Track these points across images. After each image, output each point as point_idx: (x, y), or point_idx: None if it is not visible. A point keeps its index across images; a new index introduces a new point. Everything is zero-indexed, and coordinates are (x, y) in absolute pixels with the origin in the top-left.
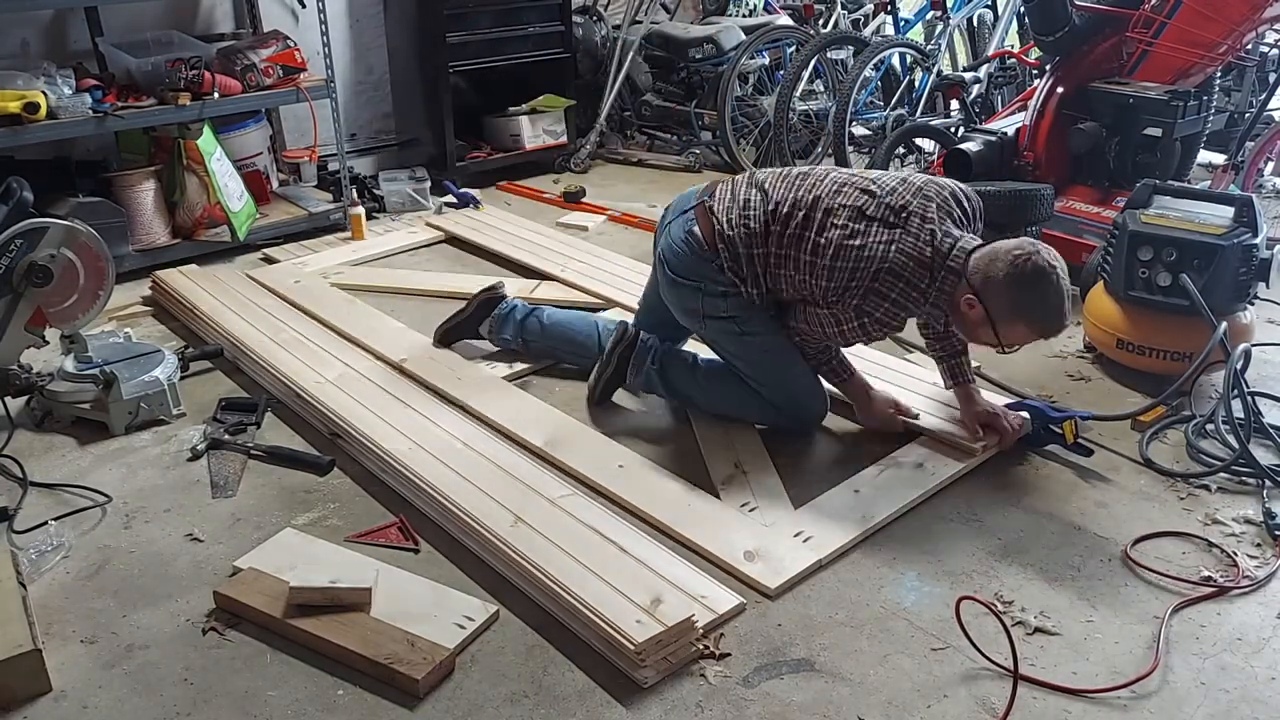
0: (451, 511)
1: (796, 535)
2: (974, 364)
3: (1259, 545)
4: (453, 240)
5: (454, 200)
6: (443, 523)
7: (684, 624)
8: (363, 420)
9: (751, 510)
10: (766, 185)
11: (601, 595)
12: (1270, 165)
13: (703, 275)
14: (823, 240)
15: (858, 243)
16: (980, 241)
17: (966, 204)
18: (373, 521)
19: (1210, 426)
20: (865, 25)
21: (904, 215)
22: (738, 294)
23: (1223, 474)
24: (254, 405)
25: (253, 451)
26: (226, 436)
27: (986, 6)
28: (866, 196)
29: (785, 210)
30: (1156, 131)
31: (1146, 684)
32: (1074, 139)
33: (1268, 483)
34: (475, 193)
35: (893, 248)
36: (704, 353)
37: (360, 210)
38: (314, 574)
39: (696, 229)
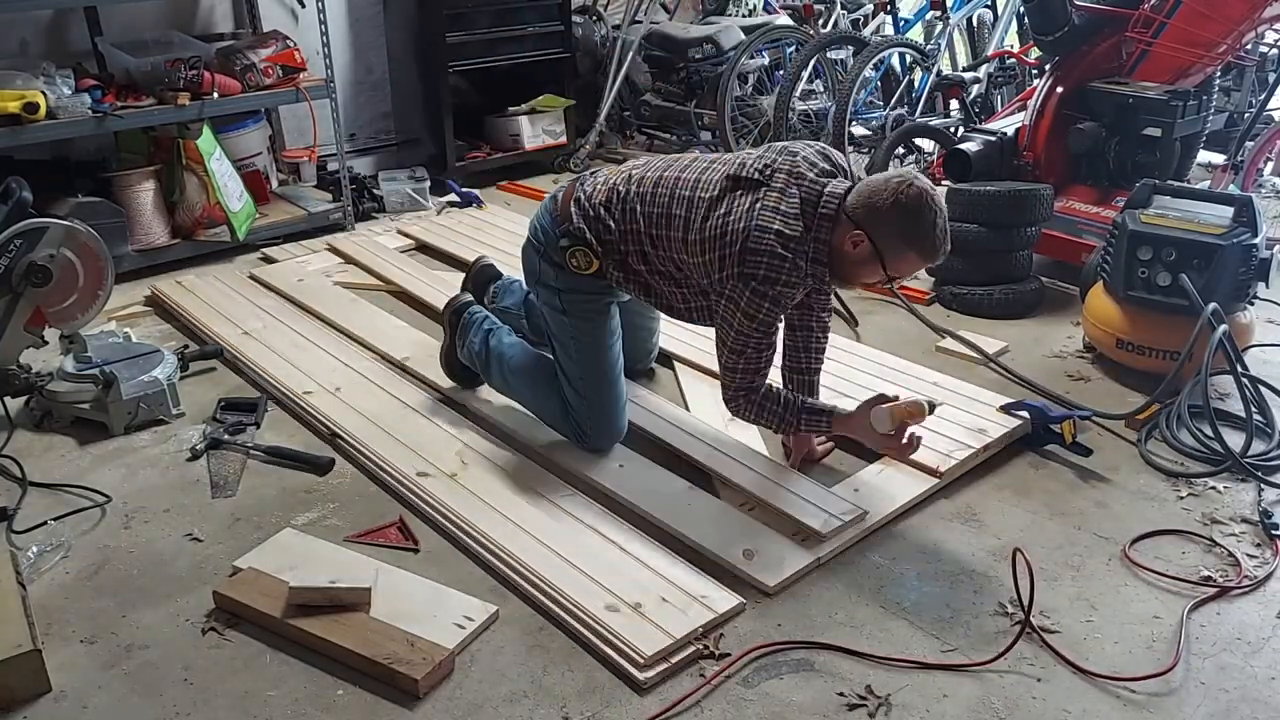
0: (450, 520)
1: (795, 534)
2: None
3: (1259, 545)
4: (424, 248)
5: (457, 200)
6: (442, 524)
7: (690, 633)
8: (362, 430)
9: (750, 509)
10: (634, 168)
11: (604, 602)
12: (1270, 165)
13: (548, 240)
14: (695, 216)
15: (723, 210)
16: (848, 183)
17: (833, 158)
18: (373, 521)
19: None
20: (865, 25)
21: (769, 173)
22: (572, 269)
23: (1223, 472)
24: (254, 405)
25: (252, 451)
26: (226, 436)
27: (986, 6)
28: (737, 165)
29: (651, 186)
30: (1156, 131)
31: (1147, 682)
32: (1073, 139)
33: (1262, 483)
34: (477, 193)
35: (758, 205)
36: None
37: None
38: (314, 574)
39: (559, 195)
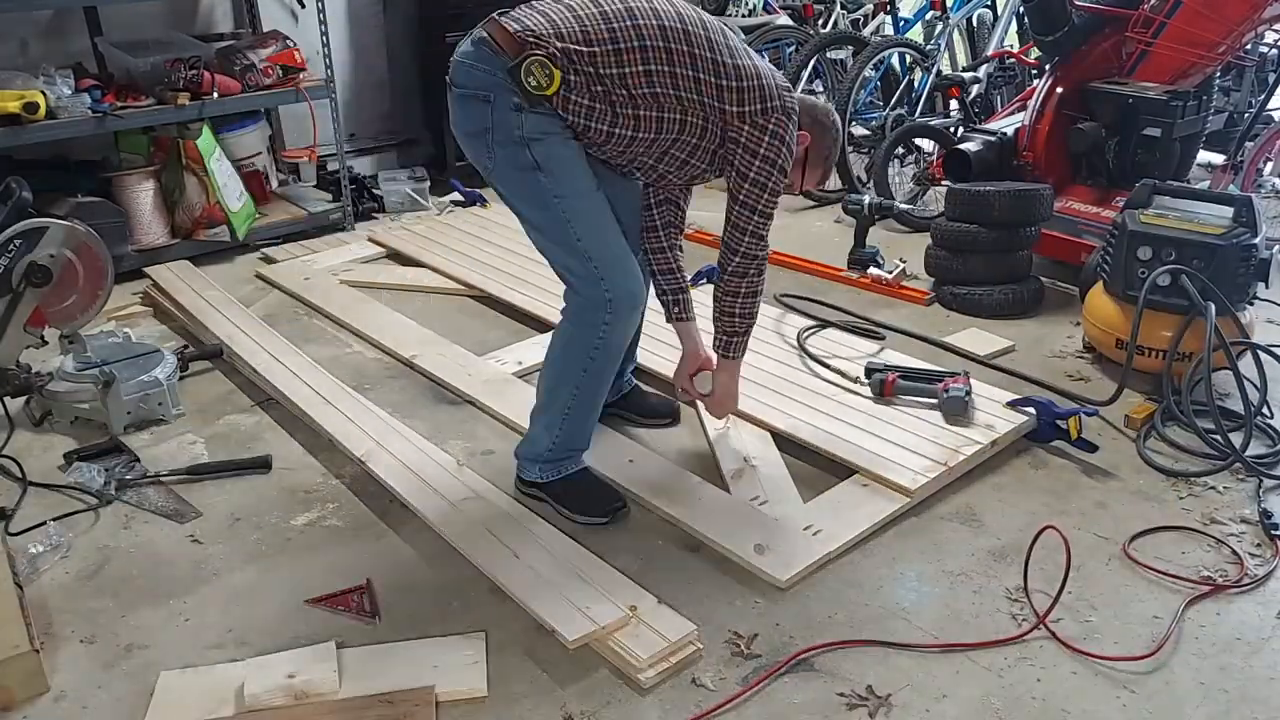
0: (444, 535)
1: (806, 529)
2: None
3: (1259, 545)
4: (395, 256)
5: (460, 199)
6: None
7: (687, 636)
8: (355, 440)
9: (761, 504)
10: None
11: (601, 607)
12: (1270, 165)
13: (490, 73)
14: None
15: (756, 63)
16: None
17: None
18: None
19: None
20: (865, 25)
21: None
22: (530, 90)
23: (1219, 471)
24: (115, 446)
25: (165, 478)
26: (128, 476)
27: (986, 6)
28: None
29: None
30: (1156, 131)
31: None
32: (1074, 139)
33: (1263, 480)
34: (481, 192)
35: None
36: None
37: None
38: (265, 676)
39: (486, 33)
